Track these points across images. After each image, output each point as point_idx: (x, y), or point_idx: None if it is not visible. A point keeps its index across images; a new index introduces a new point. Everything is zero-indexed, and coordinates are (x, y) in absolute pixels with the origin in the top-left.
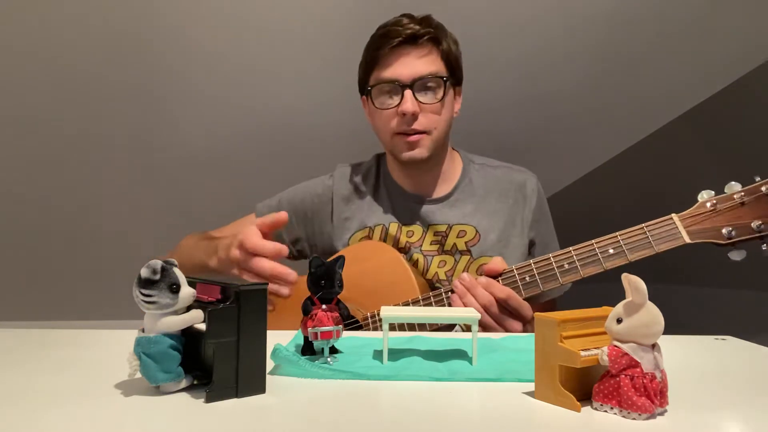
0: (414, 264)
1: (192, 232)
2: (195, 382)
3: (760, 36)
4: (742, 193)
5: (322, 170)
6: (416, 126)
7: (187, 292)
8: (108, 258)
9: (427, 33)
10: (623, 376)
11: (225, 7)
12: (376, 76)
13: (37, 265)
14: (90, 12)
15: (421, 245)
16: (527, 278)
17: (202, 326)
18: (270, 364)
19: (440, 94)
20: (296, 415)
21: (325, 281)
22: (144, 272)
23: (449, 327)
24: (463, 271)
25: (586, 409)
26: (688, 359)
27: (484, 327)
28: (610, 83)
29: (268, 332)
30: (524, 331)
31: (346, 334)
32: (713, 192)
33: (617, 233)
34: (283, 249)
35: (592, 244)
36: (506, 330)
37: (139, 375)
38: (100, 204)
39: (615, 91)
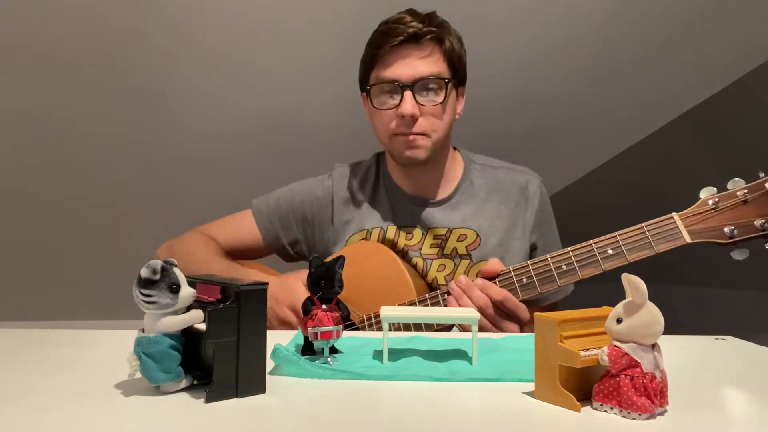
0: (413, 267)
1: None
2: (195, 382)
3: (760, 36)
4: (746, 190)
5: (322, 169)
6: (415, 129)
7: (187, 292)
8: (108, 258)
9: (429, 32)
10: (623, 376)
11: (225, 6)
12: (376, 75)
13: (37, 265)
14: (91, 10)
15: (421, 248)
16: (524, 280)
17: (202, 326)
18: (270, 364)
19: (441, 96)
20: (296, 415)
21: (325, 281)
22: (144, 272)
23: (448, 329)
24: (463, 275)
25: (586, 409)
26: (688, 359)
27: (480, 329)
28: (611, 83)
29: (268, 332)
30: (521, 332)
31: (345, 334)
32: (715, 189)
33: (616, 233)
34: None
35: (591, 244)
36: (503, 332)
37: (139, 375)
38: (100, 204)
39: (615, 91)
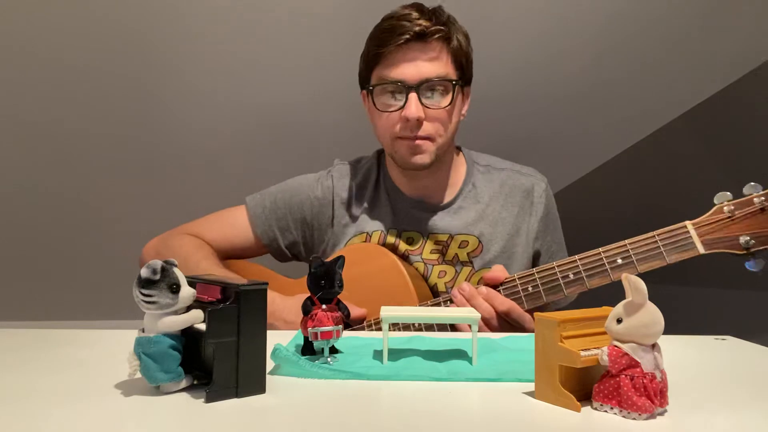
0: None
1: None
2: (195, 382)
3: (760, 36)
4: (763, 198)
5: (320, 165)
6: (420, 132)
7: (187, 292)
8: (108, 258)
9: (438, 31)
10: (623, 376)
11: (222, 4)
12: (379, 74)
13: (37, 265)
14: (89, 9)
15: (421, 253)
16: (530, 288)
17: (202, 326)
18: (270, 364)
19: (448, 99)
20: (296, 415)
21: (325, 281)
22: (144, 272)
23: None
24: (466, 282)
25: (586, 409)
26: (688, 359)
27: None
28: (611, 83)
29: (268, 332)
30: None
31: (345, 334)
32: (729, 194)
33: (626, 241)
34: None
35: (599, 252)
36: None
37: (139, 375)
38: (100, 204)
39: (615, 91)
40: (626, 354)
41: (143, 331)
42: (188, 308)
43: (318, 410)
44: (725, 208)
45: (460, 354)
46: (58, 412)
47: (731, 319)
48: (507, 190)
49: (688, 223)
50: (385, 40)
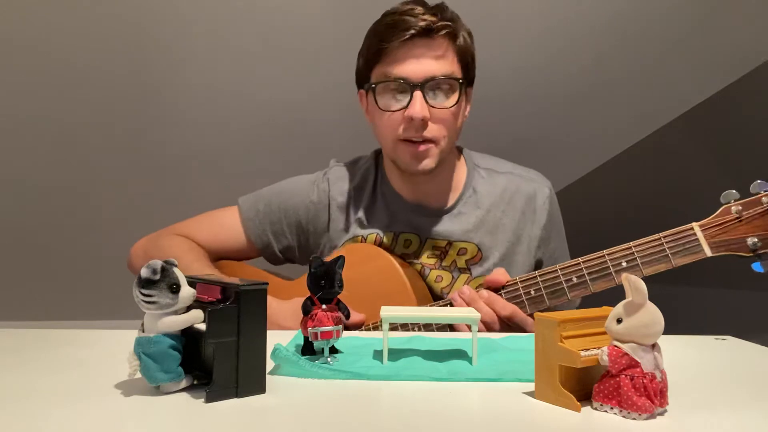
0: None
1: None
2: (195, 382)
3: (760, 36)
4: None
5: (318, 165)
6: (425, 134)
7: (187, 292)
8: (108, 258)
9: (444, 27)
10: (623, 376)
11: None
12: (382, 72)
13: (37, 265)
14: (88, 8)
15: (419, 257)
16: (532, 292)
17: (202, 326)
18: (270, 364)
19: (453, 98)
20: (296, 415)
21: (325, 281)
22: (144, 272)
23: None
24: (466, 285)
25: (586, 409)
26: (688, 359)
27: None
28: (611, 83)
29: (268, 332)
30: None
31: (345, 334)
32: (735, 193)
33: (631, 243)
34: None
35: (603, 255)
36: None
37: (139, 375)
38: (101, 203)
39: (615, 91)
40: (626, 354)
41: (143, 331)
42: (188, 308)
43: (318, 410)
44: (733, 208)
45: (460, 354)
46: (58, 412)
47: (731, 319)
48: (509, 195)
49: (694, 224)
50: (388, 36)
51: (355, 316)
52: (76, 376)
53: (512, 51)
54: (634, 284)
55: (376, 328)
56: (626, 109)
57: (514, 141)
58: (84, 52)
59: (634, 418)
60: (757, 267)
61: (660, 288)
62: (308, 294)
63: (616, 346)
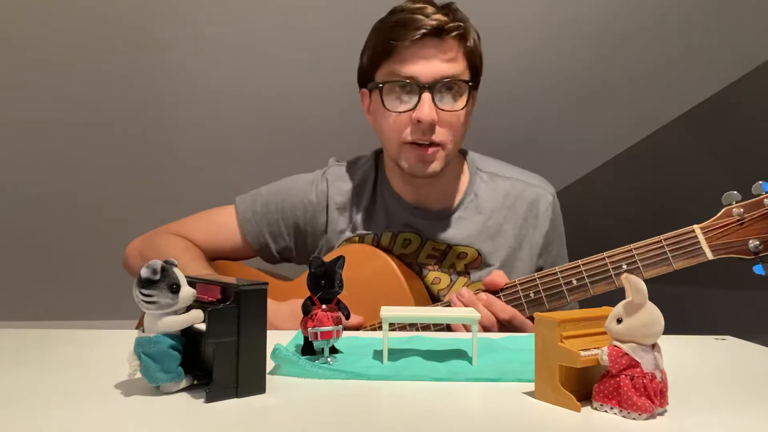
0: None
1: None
2: (195, 382)
3: (760, 36)
4: None
5: (320, 165)
6: (433, 137)
7: (187, 292)
8: (108, 258)
9: (456, 27)
10: (623, 376)
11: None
12: (389, 71)
13: (37, 265)
14: (87, 7)
15: (417, 258)
16: (531, 295)
17: (202, 326)
18: (270, 364)
19: (462, 102)
20: (296, 415)
21: (325, 281)
22: (144, 272)
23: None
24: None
25: (586, 409)
26: (688, 359)
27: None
28: (611, 83)
29: (268, 332)
30: None
31: (345, 334)
32: (737, 194)
33: (631, 246)
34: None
35: (603, 257)
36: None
37: (139, 375)
38: (101, 203)
39: (615, 91)
40: (626, 354)
41: (143, 331)
42: (188, 308)
43: (318, 410)
44: (734, 210)
45: (460, 354)
46: (58, 412)
47: (731, 319)
48: (511, 201)
49: (696, 227)
50: (397, 34)
51: (353, 319)
52: (76, 376)
53: (512, 51)
54: (634, 284)
55: (374, 330)
56: (626, 109)
57: (514, 141)
58: (83, 51)
59: (634, 418)
60: (759, 270)
61: (660, 288)
62: (305, 294)
63: (616, 346)
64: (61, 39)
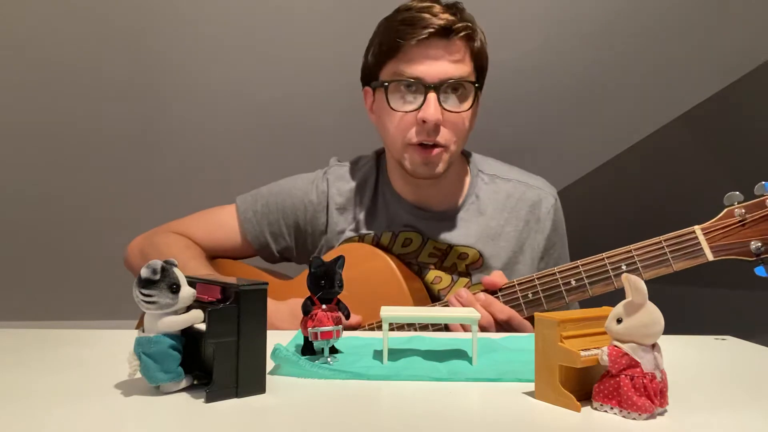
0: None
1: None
2: (195, 382)
3: (760, 36)
4: None
5: (320, 165)
6: (438, 139)
7: (187, 292)
8: (108, 258)
9: (464, 28)
10: (623, 376)
11: (223, 3)
12: (394, 70)
13: (37, 265)
14: (87, 7)
15: (418, 257)
16: (530, 295)
17: (202, 326)
18: (270, 364)
19: (468, 103)
20: (296, 415)
21: (325, 281)
22: (144, 272)
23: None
24: (463, 288)
25: (586, 409)
26: (688, 359)
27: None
28: (611, 83)
29: (268, 332)
30: None
31: (345, 334)
32: (739, 194)
33: (631, 247)
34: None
35: (603, 258)
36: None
37: (139, 375)
38: (101, 203)
39: (615, 91)
40: (626, 354)
41: (143, 331)
42: (188, 308)
43: (318, 410)
44: (736, 211)
45: (460, 354)
46: (58, 412)
47: (731, 319)
48: (512, 203)
49: (696, 228)
50: (404, 33)
51: (352, 318)
52: (76, 376)
53: (512, 51)
54: (634, 284)
55: (372, 329)
56: (626, 109)
57: (514, 141)
58: (83, 51)
59: (634, 418)
60: (760, 271)
61: (660, 288)
62: (304, 293)
63: (616, 346)
64: (61, 39)
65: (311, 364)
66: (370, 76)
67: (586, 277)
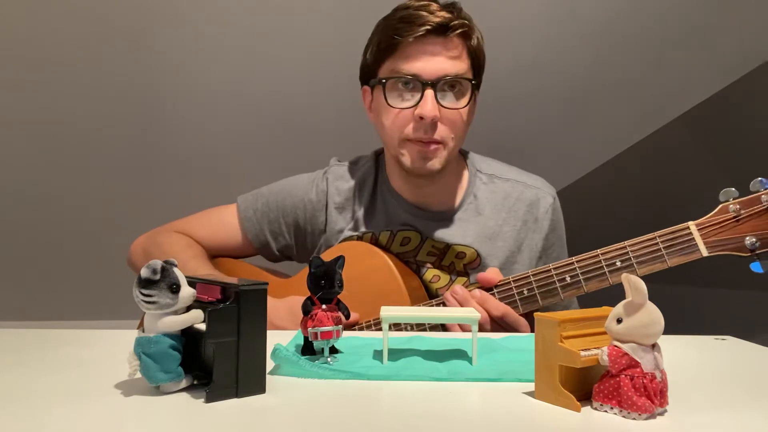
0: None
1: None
2: (195, 382)
3: (760, 36)
4: None
5: (320, 165)
6: (434, 135)
7: (187, 292)
8: (108, 258)
9: (461, 25)
10: (623, 376)
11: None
12: (392, 68)
13: (37, 265)
14: (86, 7)
15: (416, 256)
16: (525, 292)
17: (202, 326)
18: (270, 364)
19: (465, 100)
20: (296, 415)
21: (325, 281)
22: (144, 272)
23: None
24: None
25: (586, 409)
26: (688, 359)
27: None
28: (610, 83)
29: (268, 332)
30: None
31: (345, 334)
32: (734, 191)
33: (625, 243)
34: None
35: (598, 254)
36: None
37: (139, 375)
38: (101, 203)
39: (615, 91)
40: (626, 354)
41: (143, 331)
42: (188, 308)
43: (318, 410)
44: (731, 206)
45: (460, 354)
46: (58, 412)
47: (731, 319)
48: (510, 203)
49: (691, 223)
50: (401, 30)
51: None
52: (76, 376)
53: (511, 51)
54: (634, 284)
55: (369, 327)
56: (626, 109)
57: (514, 141)
58: (83, 51)
59: (634, 418)
60: (756, 267)
61: (660, 288)
62: (303, 292)
63: (616, 346)
64: (61, 39)
65: (311, 364)
66: (368, 74)
67: (581, 273)
